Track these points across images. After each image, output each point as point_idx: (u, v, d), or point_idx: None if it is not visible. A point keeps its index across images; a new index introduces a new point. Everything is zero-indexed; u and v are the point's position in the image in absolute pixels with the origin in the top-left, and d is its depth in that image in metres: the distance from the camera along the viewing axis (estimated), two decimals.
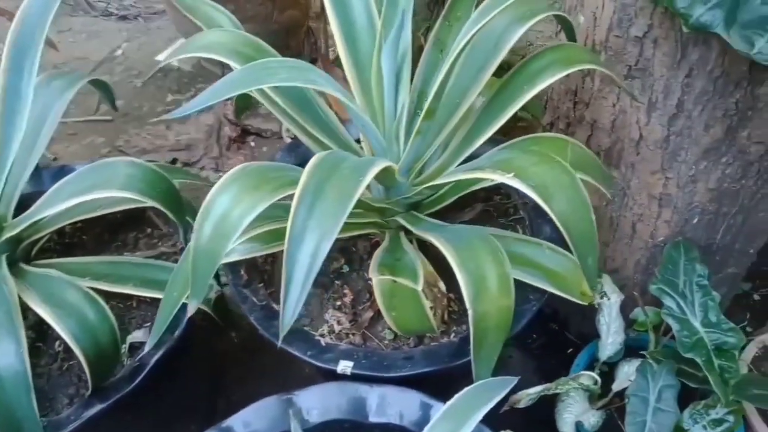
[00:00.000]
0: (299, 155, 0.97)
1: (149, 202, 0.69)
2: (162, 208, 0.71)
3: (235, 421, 0.71)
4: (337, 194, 0.54)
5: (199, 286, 0.57)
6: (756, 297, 1.28)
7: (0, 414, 0.61)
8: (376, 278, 0.71)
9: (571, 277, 0.75)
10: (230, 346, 1.13)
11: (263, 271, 0.90)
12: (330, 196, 0.54)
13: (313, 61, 2.02)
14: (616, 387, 0.90)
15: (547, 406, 0.89)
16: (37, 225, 0.80)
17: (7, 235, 0.77)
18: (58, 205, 0.70)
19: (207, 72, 2.23)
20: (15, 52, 0.72)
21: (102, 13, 2.64)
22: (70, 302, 0.69)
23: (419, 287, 0.68)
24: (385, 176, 0.71)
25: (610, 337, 0.92)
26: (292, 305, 0.50)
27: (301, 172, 0.57)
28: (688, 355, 0.75)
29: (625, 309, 0.96)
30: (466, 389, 0.63)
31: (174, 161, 1.87)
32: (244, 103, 0.94)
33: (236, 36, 0.72)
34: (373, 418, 0.73)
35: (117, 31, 2.55)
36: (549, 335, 1.22)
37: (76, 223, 0.94)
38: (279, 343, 0.54)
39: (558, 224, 0.57)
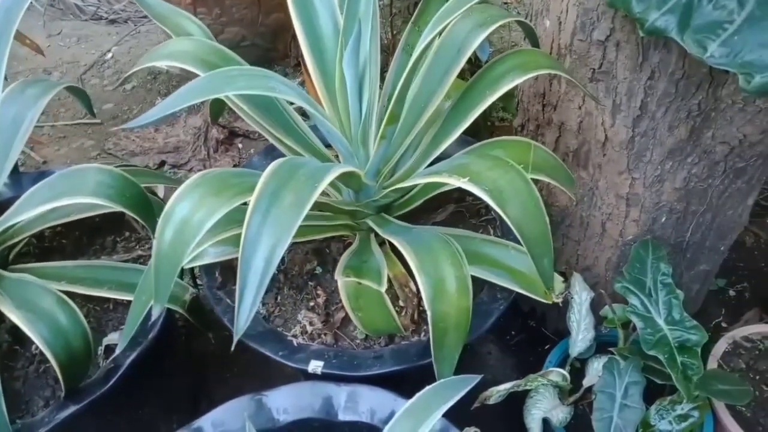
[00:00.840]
0: (275, 158, 0.99)
1: (118, 208, 0.71)
2: (130, 213, 0.72)
3: (205, 421, 0.73)
4: (292, 200, 0.55)
5: (162, 290, 0.59)
6: (731, 292, 1.30)
7: None
8: (341, 280, 0.72)
9: (536, 277, 0.76)
10: (211, 347, 1.14)
11: (236, 273, 0.91)
12: (285, 202, 0.55)
13: (299, 64, 2.03)
14: (586, 383, 0.92)
15: (519, 402, 0.91)
16: (11, 231, 0.82)
17: None
18: (30, 212, 0.72)
19: (195, 75, 2.25)
20: None
21: (92, 16, 2.65)
22: (42, 307, 0.71)
23: (382, 288, 0.69)
24: (351, 180, 0.73)
25: (581, 333, 0.93)
26: (246, 309, 0.52)
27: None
28: (651, 353, 0.76)
29: (596, 306, 0.97)
30: (427, 388, 0.64)
31: (162, 163, 1.89)
32: (218, 108, 0.95)
33: (202, 44, 0.73)
34: (343, 417, 0.74)
35: (107, 35, 2.57)
36: (527, 332, 1.24)
37: (55, 227, 0.96)
38: (233, 347, 0.55)
39: (512, 227, 0.58)
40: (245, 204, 0.62)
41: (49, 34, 2.54)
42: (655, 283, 0.83)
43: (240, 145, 1.97)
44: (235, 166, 1.85)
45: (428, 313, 0.64)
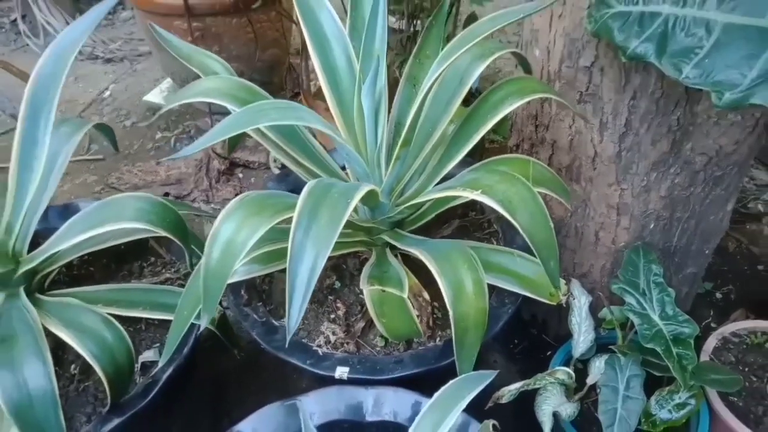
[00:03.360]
0: (289, 183, 1.06)
1: (160, 232, 0.77)
2: (172, 237, 0.79)
3: (243, 426, 0.78)
4: (329, 216, 0.62)
5: (211, 303, 0.65)
6: (718, 295, 1.38)
7: (31, 428, 0.68)
8: (366, 289, 0.79)
9: (541, 281, 0.84)
10: (232, 363, 1.19)
11: (262, 291, 0.97)
12: (323, 218, 0.62)
13: (296, 95, 2.12)
14: (590, 381, 0.98)
15: (529, 401, 0.97)
16: (51, 258, 0.87)
17: (24, 268, 0.84)
18: (74, 239, 0.77)
19: (194, 110, 2.32)
20: (33, 102, 0.80)
21: (88, 56, 2.73)
22: (88, 326, 0.76)
23: (405, 294, 0.76)
24: (369, 198, 0.80)
25: (582, 335, 1.00)
26: (296, 312, 0.58)
27: (295, 198, 0.65)
28: (649, 345, 0.83)
29: (594, 310, 1.04)
30: (449, 383, 0.70)
31: (166, 195, 1.94)
32: (236, 140, 1.02)
33: (231, 82, 0.81)
34: (370, 418, 0.80)
35: (103, 74, 2.64)
36: (529, 339, 1.31)
37: (83, 255, 1.02)
38: (287, 342, 0.61)
39: (522, 233, 0.66)
40: (278, 224, 0.69)
41: None
42: (648, 284, 0.91)
43: (240, 175, 2.04)
44: (236, 194, 1.91)
45: (450, 313, 0.70)
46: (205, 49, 0.92)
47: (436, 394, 0.70)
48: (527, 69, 0.90)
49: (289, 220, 0.64)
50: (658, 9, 0.75)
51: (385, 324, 0.78)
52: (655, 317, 0.87)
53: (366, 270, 0.83)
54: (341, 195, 0.64)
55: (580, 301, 1.02)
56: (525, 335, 1.32)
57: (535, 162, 0.84)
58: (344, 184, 0.67)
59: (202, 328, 0.67)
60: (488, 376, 0.72)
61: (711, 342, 1.08)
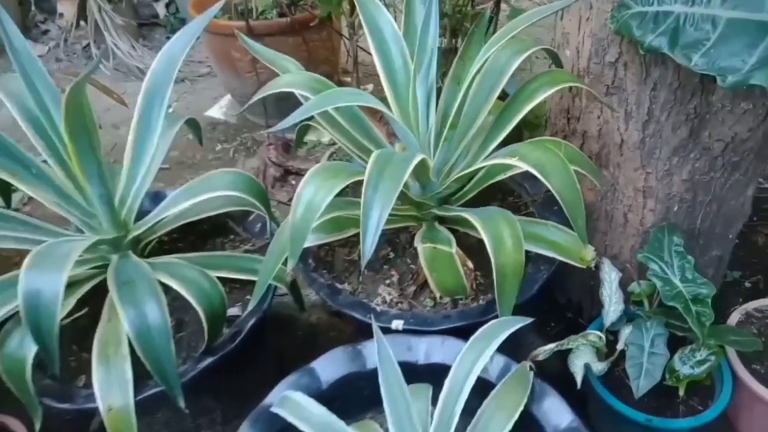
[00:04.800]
0: None
1: (249, 199, 0.93)
2: (258, 204, 0.94)
3: (315, 364, 0.92)
4: (392, 177, 0.77)
5: (296, 249, 0.80)
6: (747, 284, 1.46)
7: (151, 356, 0.83)
8: (420, 246, 0.93)
9: (572, 247, 0.96)
10: (300, 326, 1.35)
11: (325, 261, 1.12)
12: (387, 178, 0.77)
13: None
14: (619, 346, 1.08)
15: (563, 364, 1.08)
16: (154, 227, 1.04)
17: (133, 234, 1.01)
18: (179, 206, 0.94)
19: (251, 123, 2.53)
20: (148, 95, 0.98)
21: None
22: (189, 277, 0.92)
23: (453, 250, 0.89)
24: (421, 171, 0.94)
25: (612, 306, 1.10)
26: (368, 246, 0.72)
27: (360, 167, 0.80)
28: (670, 303, 0.94)
29: (624, 288, 1.14)
30: (486, 325, 0.83)
31: None
32: (302, 135, 1.18)
33: (306, 76, 0.97)
34: (422, 362, 0.93)
35: None
36: (565, 323, 1.41)
37: (173, 233, 1.19)
38: (362, 269, 0.74)
39: (554, 193, 0.78)
40: (346, 188, 0.83)
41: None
42: (670, 253, 1.01)
43: (293, 182, 2.21)
44: (290, 200, 2.09)
45: (492, 262, 0.83)
46: (263, 68, 1.08)
47: (474, 335, 0.83)
48: (558, 64, 1.03)
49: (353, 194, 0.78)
50: (670, 8, 0.88)
51: (436, 278, 0.92)
52: (676, 281, 0.98)
53: (419, 235, 0.96)
54: (401, 161, 0.79)
55: (611, 276, 1.13)
56: (561, 319, 1.42)
57: (567, 144, 0.97)
58: (403, 154, 0.82)
59: (289, 269, 0.82)
60: (521, 320, 0.84)
61: (734, 317, 1.17)
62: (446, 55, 1.72)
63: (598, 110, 1.11)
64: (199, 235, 1.21)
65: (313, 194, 0.81)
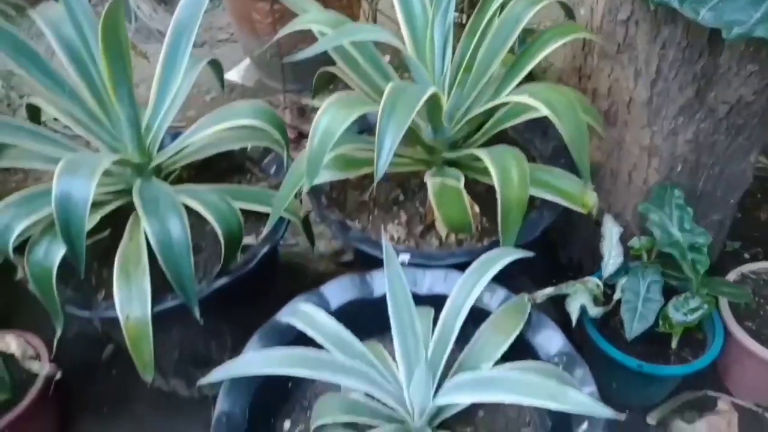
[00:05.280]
0: None
1: (269, 129, 0.98)
2: (277, 134, 0.99)
3: (324, 289, 0.97)
4: (406, 104, 0.81)
5: (313, 172, 0.84)
6: (746, 255, 1.49)
7: (171, 266, 0.88)
8: (430, 181, 0.97)
9: (575, 193, 1.00)
10: (308, 274, 1.40)
11: (337, 201, 1.17)
12: (402, 105, 0.81)
13: None
14: (616, 296, 1.12)
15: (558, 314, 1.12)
16: (175, 157, 1.09)
17: (156, 161, 1.06)
18: (204, 131, 0.99)
19: (267, 87, 2.58)
20: (176, 30, 1.02)
21: None
22: (209, 200, 0.97)
23: (461, 185, 0.93)
24: (435, 114, 0.99)
25: (611, 258, 1.14)
26: (382, 165, 0.77)
27: (373, 100, 0.84)
28: (666, 250, 0.98)
29: (625, 247, 1.18)
30: (484, 254, 0.87)
31: None
32: (322, 82, 1.22)
33: (327, 14, 1.02)
34: (426, 292, 0.97)
35: None
36: (566, 281, 1.45)
37: (191, 171, 1.23)
38: (375, 181, 0.78)
39: (560, 129, 0.82)
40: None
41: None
42: (670, 205, 1.05)
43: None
44: None
45: (498, 195, 0.87)
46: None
47: (476, 261, 0.87)
48: (571, 17, 1.07)
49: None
50: None
51: (443, 213, 0.96)
52: (674, 230, 1.02)
53: (429, 173, 1.01)
54: (415, 92, 0.83)
55: (612, 231, 1.16)
56: (562, 278, 1.45)
57: (576, 91, 1.01)
58: (416, 85, 0.86)
59: (305, 190, 0.87)
60: (521, 252, 0.88)
61: (730, 277, 1.21)
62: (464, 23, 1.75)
63: (608, 68, 1.14)
64: (217, 173, 1.25)
65: (329, 122, 0.85)
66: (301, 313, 0.85)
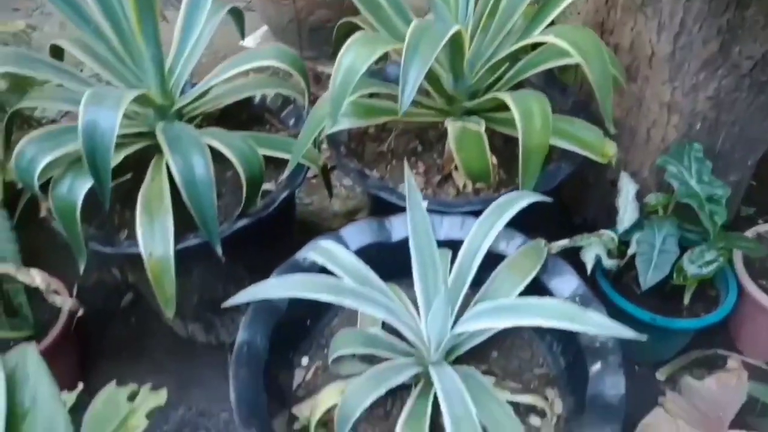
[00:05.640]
0: None
1: (292, 71, 0.98)
2: (299, 76, 1.00)
3: (343, 232, 0.98)
4: (430, 42, 0.81)
5: (335, 112, 0.85)
6: (760, 222, 1.49)
7: (195, 201, 0.90)
8: (451, 125, 0.97)
9: (595, 143, 1.00)
10: (322, 231, 1.41)
11: (356, 152, 1.18)
12: (425, 42, 0.81)
13: None
14: (631, 251, 1.13)
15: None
16: (197, 101, 1.10)
17: (179, 105, 1.07)
18: (227, 72, 1.00)
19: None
20: None
21: None
22: (231, 141, 0.98)
23: (482, 129, 0.94)
24: (456, 61, 0.99)
25: (627, 213, 1.14)
26: (406, 98, 0.78)
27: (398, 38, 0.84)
28: (685, 200, 0.98)
29: (641, 204, 1.18)
30: (499, 198, 0.87)
31: None
32: (342, 32, 1.22)
33: None
34: (442, 237, 0.98)
35: None
36: None
37: (210, 121, 1.24)
38: (400, 113, 0.79)
39: (586, 71, 0.82)
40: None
41: None
42: (689, 158, 1.05)
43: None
44: None
45: (520, 137, 0.88)
46: None
47: (494, 202, 0.88)
48: None
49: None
50: None
51: (462, 158, 0.96)
52: (693, 183, 1.02)
53: (450, 119, 1.01)
54: (439, 30, 0.83)
55: (628, 187, 1.17)
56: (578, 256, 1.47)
57: (594, 35, 1.00)
58: (441, 23, 0.86)
59: (327, 130, 0.87)
60: (539, 195, 0.89)
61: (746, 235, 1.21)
62: None
63: (632, 22, 1.13)
64: (236, 124, 1.26)
65: (353, 59, 0.86)
66: (321, 248, 0.87)
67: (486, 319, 0.72)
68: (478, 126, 0.95)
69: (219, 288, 1.18)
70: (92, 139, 0.82)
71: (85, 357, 1.33)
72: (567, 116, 1.05)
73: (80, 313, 1.07)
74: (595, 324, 0.64)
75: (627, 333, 0.64)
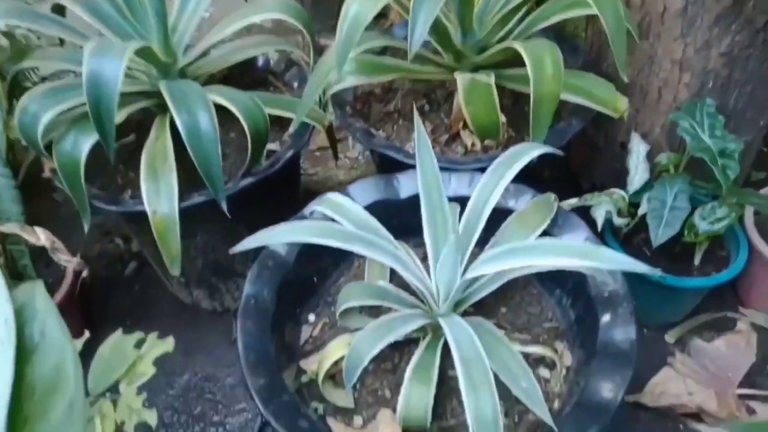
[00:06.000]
0: None
1: (298, 24, 0.97)
2: (304, 30, 0.98)
3: (350, 188, 0.97)
4: None
5: (342, 58, 0.83)
6: None
7: (200, 155, 0.88)
8: (460, 77, 0.96)
9: (607, 98, 0.99)
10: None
11: (361, 112, 1.16)
12: None
13: None
14: (641, 211, 1.11)
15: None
16: (201, 60, 1.09)
17: (182, 63, 1.06)
18: (231, 26, 0.98)
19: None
20: None
21: None
22: (236, 97, 0.97)
23: (491, 80, 0.92)
24: (465, 15, 0.97)
25: (638, 174, 1.13)
26: (416, 39, 0.76)
27: None
28: (697, 155, 0.96)
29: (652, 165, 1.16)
30: (512, 147, 0.86)
31: None
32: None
33: None
34: (451, 194, 0.97)
35: None
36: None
37: (215, 81, 1.23)
38: (410, 56, 0.78)
39: (601, 17, 0.81)
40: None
41: None
42: (702, 113, 1.03)
43: None
44: None
45: (531, 84, 0.86)
46: None
47: (504, 153, 0.86)
48: None
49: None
50: None
51: (471, 112, 0.95)
52: (705, 137, 1.00)
53: (458, 72, 0.99)
54: None
55: (639, 148, 1.15)
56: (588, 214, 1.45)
57: None
58: None
59: (333, 89, 0.86)
60: (548, 148, 0.87)
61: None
62: None
63: None
64: (241, 86, 1.24)
65: (359, 8, 0.84)
66: (329, 200, 0.85)
67: (498, 262, 0.70)
68: (488, 78, 0.93)
69: (223, 251, 1.17)
70: (96, 89, 0.80)
71: (89, 324, 1.33)
72: (578, 71, 1.03)
73: (85, 273, 1.06)
74: (609, 259, 0.63)
75: (641, 267, 0.63)
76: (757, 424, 0.63)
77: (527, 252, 0.68)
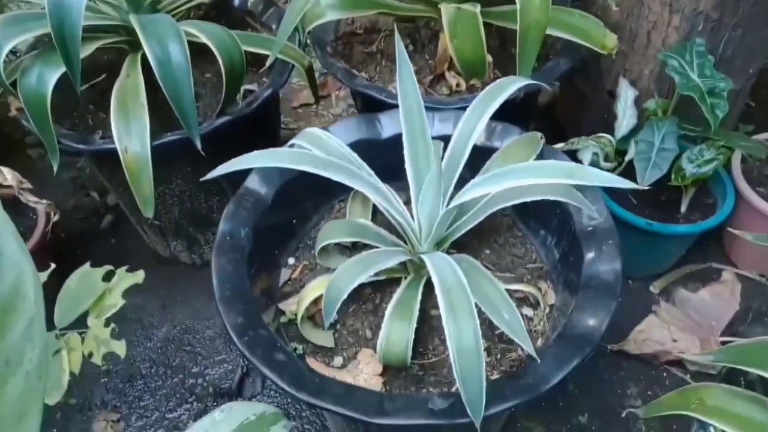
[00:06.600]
0: None
1: None
2: None
3: (331, 128, 0.93)
4: None
5: None
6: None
7: (172, 87, 0.84)
8: (444, 7, 0.92)
9: (596, 34, 0.96)
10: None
11: (342, 53, 1.12)
12: None
13: None
14: (628, 157, 1.09)
15: None
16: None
17: None
18: None
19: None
20: None
21: None
22: (213, 30, 0.92)
23: (477, 9, 0.89)
24: None
25: (625, 119, 1.11)
26: None
27: None
28: (685, 93, 0.94)
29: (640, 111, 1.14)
30: (494, 82, 0.82)
31: None
32: None
33: None
34: (434, 133, 0.93)
35: None
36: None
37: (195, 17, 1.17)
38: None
39: None
40: None
41: None
42: (691, 53, 1.00)
43: None
44: None
45: (518, 13, 0.83)
46: None
47: (488, 86, 0.83)
48: None
49: None
50: None
51: (456, 46, 0.91)
52: (694, 76, 0.98)
53: (444, 3, 0.95)
54: None
55: (627, 93, 1.13)
56: (572, 159, 1.43)
57: None
58: None
59: (314, 23, 0.82)
60: (523, 80, 0.84)
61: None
62: None
63: None
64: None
65: None
66: (309, 134, 0.82)
67: (482, 187, 0.68)
68: (473, 7, 0.89)
69: (201, 199, 1.14)
70: (59, 8, 0.75)
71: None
72: (566, 7, 1.00)
73: (56, 217, 1.02)
74: (594, 176, 0.61)
75: (625, 183, 0.61)
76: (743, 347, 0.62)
77: (511, 174, 0.65)
